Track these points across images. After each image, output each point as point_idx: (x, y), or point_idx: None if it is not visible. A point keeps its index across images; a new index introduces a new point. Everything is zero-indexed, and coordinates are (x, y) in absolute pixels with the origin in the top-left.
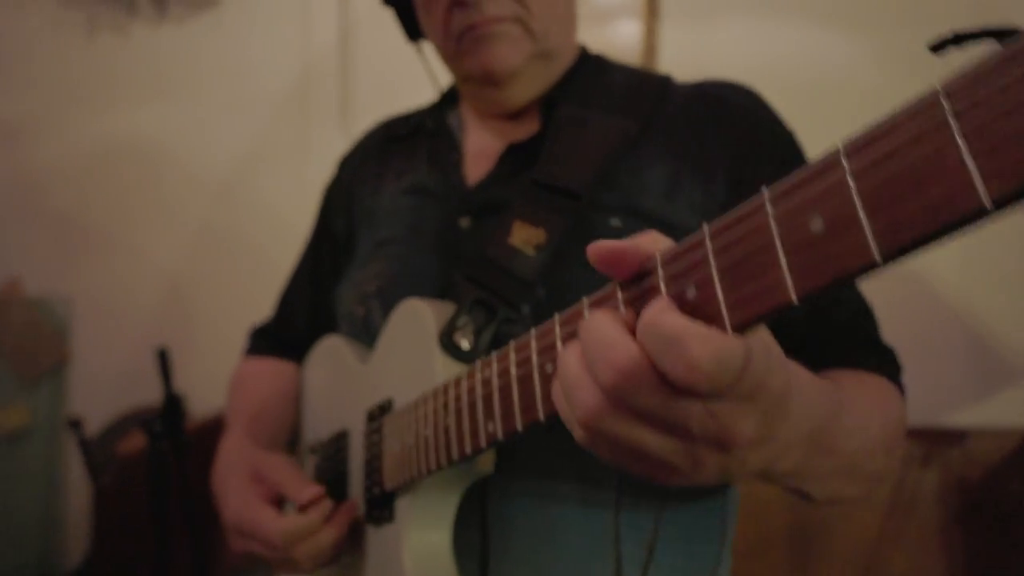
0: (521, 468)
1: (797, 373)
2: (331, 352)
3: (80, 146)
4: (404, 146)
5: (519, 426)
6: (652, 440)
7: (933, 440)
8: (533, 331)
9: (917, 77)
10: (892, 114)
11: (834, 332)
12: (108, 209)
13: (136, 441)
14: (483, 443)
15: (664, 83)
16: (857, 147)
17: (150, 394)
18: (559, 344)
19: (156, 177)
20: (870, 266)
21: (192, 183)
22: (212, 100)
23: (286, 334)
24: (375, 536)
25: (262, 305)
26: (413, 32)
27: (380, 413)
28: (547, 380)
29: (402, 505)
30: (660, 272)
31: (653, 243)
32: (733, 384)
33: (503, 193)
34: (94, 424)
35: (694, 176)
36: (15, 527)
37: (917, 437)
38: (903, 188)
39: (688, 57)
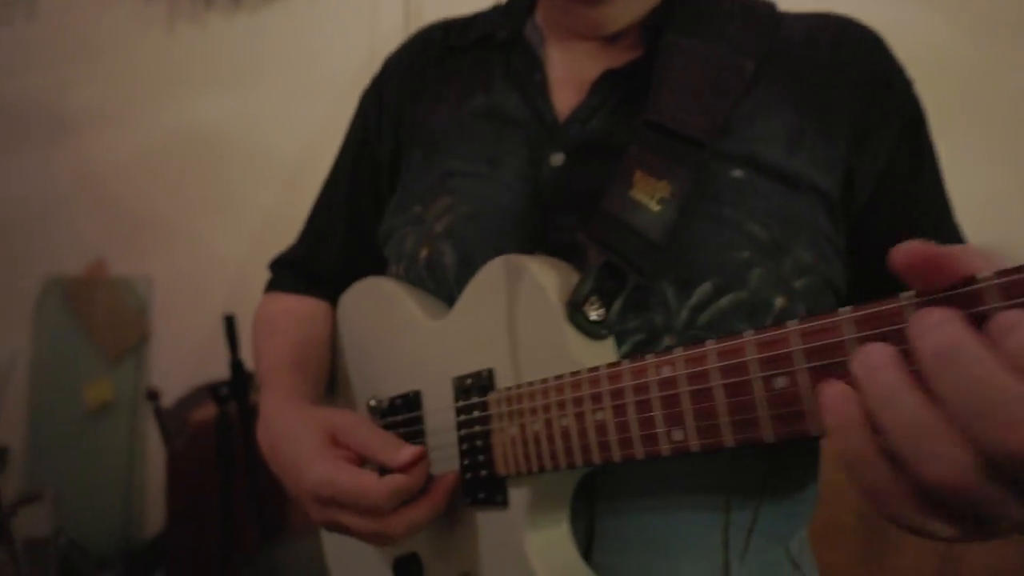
0: (630, 477)
1: None
2: (386, 297)
3: (160, 134)
4: (469, 59)
5: (729, 441)
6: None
7: None
8: (752, 333)
9: (1015, 51)
10: None
11: None
12: (186, 193)
13: (207, 411)
14: (664, 450)
15: (773, 12)
16: None
17: (223, 368)
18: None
19: (230, 162)
20: None
21: (263, 168)
22: (283, 87)
23: (316, 266)
24: (482, 521)
25: None
26: None
27: (477, 385)
28: (776, 400)
29: (518, 494)
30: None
31: (972, 256)
32: None
33: (606, 129)
34: (171, 397)
35: (818, 128)
36: (101, 496)
37: None
38: None
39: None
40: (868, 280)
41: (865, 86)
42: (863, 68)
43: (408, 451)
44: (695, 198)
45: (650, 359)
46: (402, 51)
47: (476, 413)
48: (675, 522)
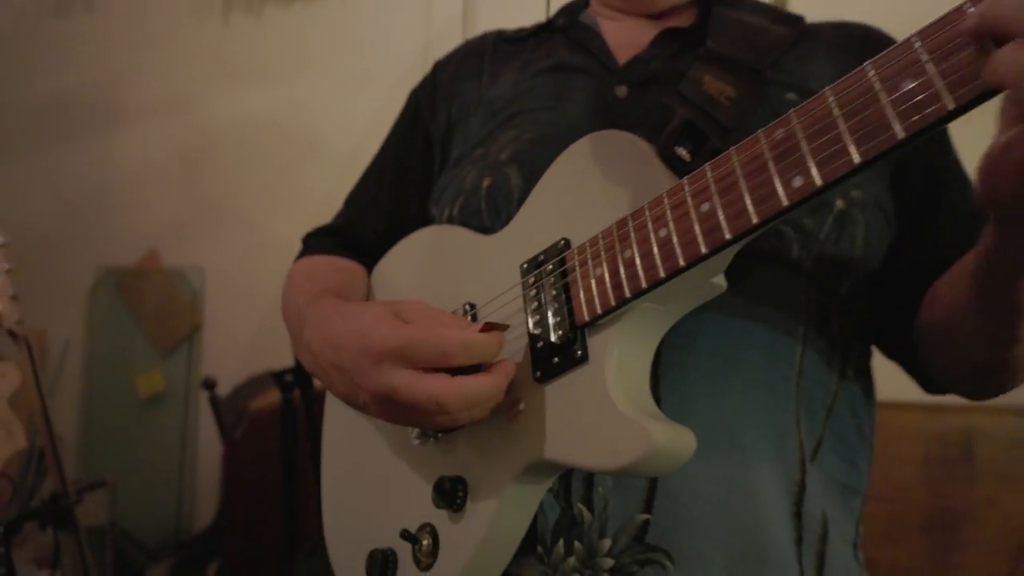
0: (702, 319)
1: None
2: (431, 238)
3: (214, 124)
4: (528, 44)
5: (859, 157)
6: None
7: None
8: (827, 88)
9: None
10: None
11: None
12: (238, 183)
13: (266, 399)
14: (785, 201)
15: (802, 16)
16: None
17: (277, 358)
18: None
19: (283, 152)
20: None
21: (316, 158)
22: (337, 77)
23: (356, 234)
24: (552, 392)
25: None
26: None
27: (551, 256)
28: (903, 97)
29: (601, 339)
30: None
31: None
32: None
33: (666, 67)
34: (224, 386)
35: None
36: (153, 486)
37: None
38: None
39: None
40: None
41: None
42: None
43: (482, 322)
44: (757, 109)
45: (760, 131)
46: (453, 52)
47: (551, 276)
48: (748, 416)
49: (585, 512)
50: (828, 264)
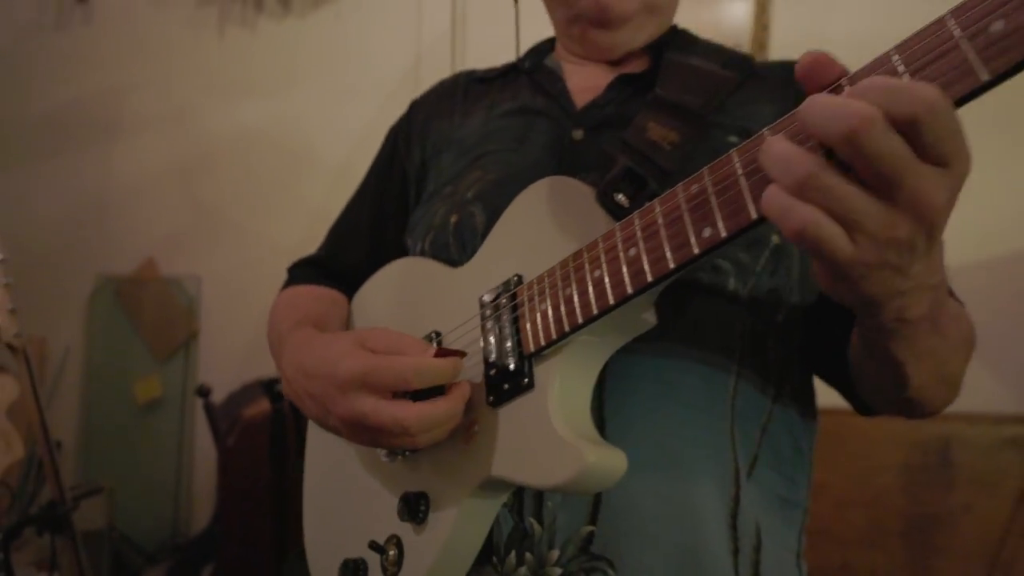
0: (638, 349)
1: None
2: (404, 270)
3: (210, 136)
4: (496, 85)
5: (754, 214)
6: (860, 198)
7: None
8: (733, 151)
9: None
10: None
11: None
12: (234, 194)
13: (258, 406)
14: (696, 249)
15: (751, 58)
16: None
17: (271, 366)
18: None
19: (277, 164)
20: None
21: (310, 169)
22: (332, 89)
23: (337, 265)
24: (504, 416)
25: None
26: None
27: (506, 291)
28: (756, 184)
29: (545, 368)
30: (896, 57)
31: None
32: (944, 132)
33: (620, 110)
34: (219, 393)
35: None
36: (150, 491)
37: None
38: None
39: (801, 33)
40: None
41: None
42: None
43: (439, 349)
44: (699, 152)
45: (679, 186)
46: (429, 92)
47: (504, 310)
48: (685, 436)
49: (535, 525)
50: (764, 295)
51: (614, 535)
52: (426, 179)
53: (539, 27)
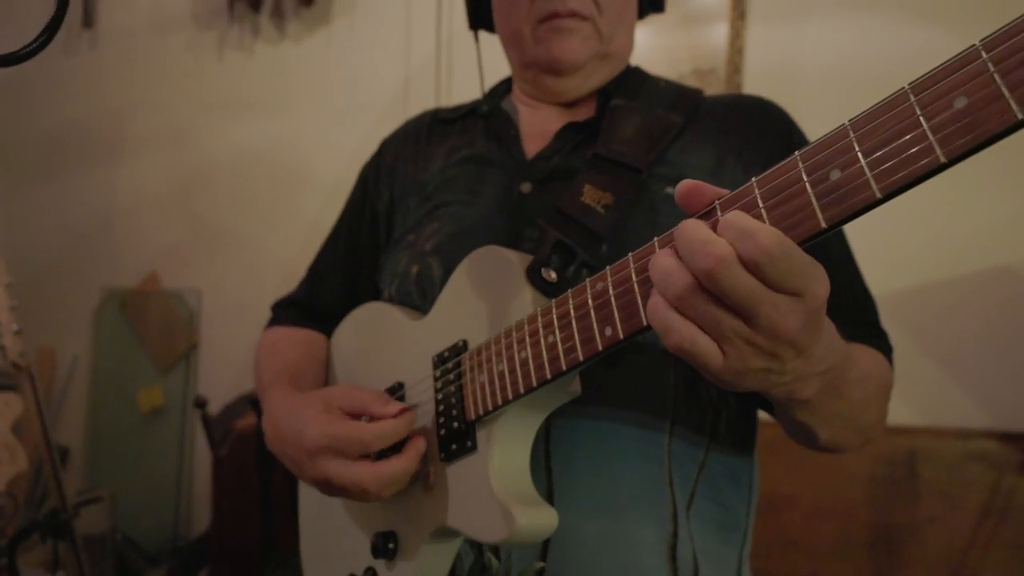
0: (581, 406)
1: (827, 318)
2: (372, 316)
3: (210, 155)
4: (456, 127)
5: (645, 321)
6: (728, 320)
7: None
8: (630, 255)
9: None
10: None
11: (843, 314)
12: (233, 211)
13: (251, 418)
14: (600, 346)
15: (700, 93)
16: (993, 43)
17: None
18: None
19: (274, 182)
20: (1012, 128)
21: (305, 188)
22: (325, 109)
23: (316, 304)
24: (454, 471)
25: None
26: (477, 20)
27: (454, 354)
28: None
29: (485, 433)
30: (756, 192)
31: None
32: (788, 272)
33: (564, 164)
34: (216, 404)
35: (737, 161)
36: (153, 496)
37: (1015, 442)
38: None
39: (775, 57)
40: None
41: (774, 133)
42: (773, 121)
43: (396, 404)
44: (634, 207)
45: (588, 281)
46: (397, 132)
47: (451, 375)
48: (622, 448)
49: (493, 560)
50: None
51: (563, 570)
52: (394, 219)
53: (505, 61)
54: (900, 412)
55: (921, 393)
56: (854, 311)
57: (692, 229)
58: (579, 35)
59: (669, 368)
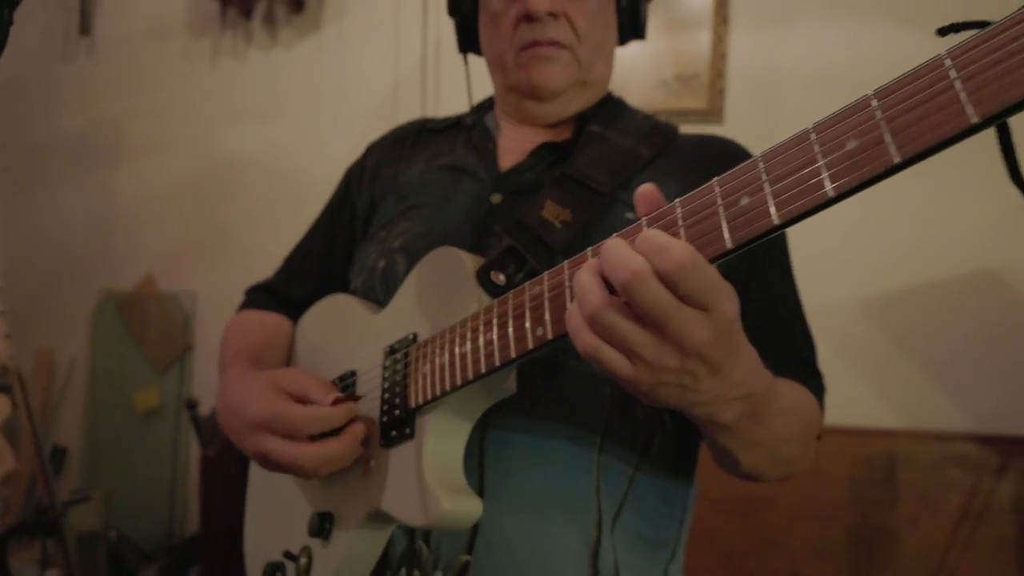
0: (516, 408)
1: (749, 345)
2: (336, 306)
3: (205, 160)
4: (440, 136)
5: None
6: (636, 333)
7: (1010, 449)
8: (565, 262)
9: None
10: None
11: (776, 350)
12: (227, 215)
13: None
14: (531, 344)
15: (674, 130)
16: (884, 92)
17: None
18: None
19: (266, 186)
20: (892, 169)
21: (296, 191)
22: (316, 114)
23: (288, 292)
24: (392, 457)
25: None
26: (465, 44)
27: (403, 345)
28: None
29: (423, 422)
30: (678, 211)
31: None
32: (698, 286)
33: (536, 179)
34: (208, 405)
35: None
36: (148, 495)
37: (993, 445)
38: (917, 114)
39: (758, 62)
40: None
41: None
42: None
43: (335, 395)
44: (594, 227)
45: (527, 284)
46: (385, 136)
47: (399, 366)
48: (553, 453)
49: (424, 547)
50: None
51: (487, 565)
52: (372, 219)
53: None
54: (880, 414)
55: (901, 396)
56: (792, 349)
57: (614, 246)
58: (559, 63)
59: (607, 384)
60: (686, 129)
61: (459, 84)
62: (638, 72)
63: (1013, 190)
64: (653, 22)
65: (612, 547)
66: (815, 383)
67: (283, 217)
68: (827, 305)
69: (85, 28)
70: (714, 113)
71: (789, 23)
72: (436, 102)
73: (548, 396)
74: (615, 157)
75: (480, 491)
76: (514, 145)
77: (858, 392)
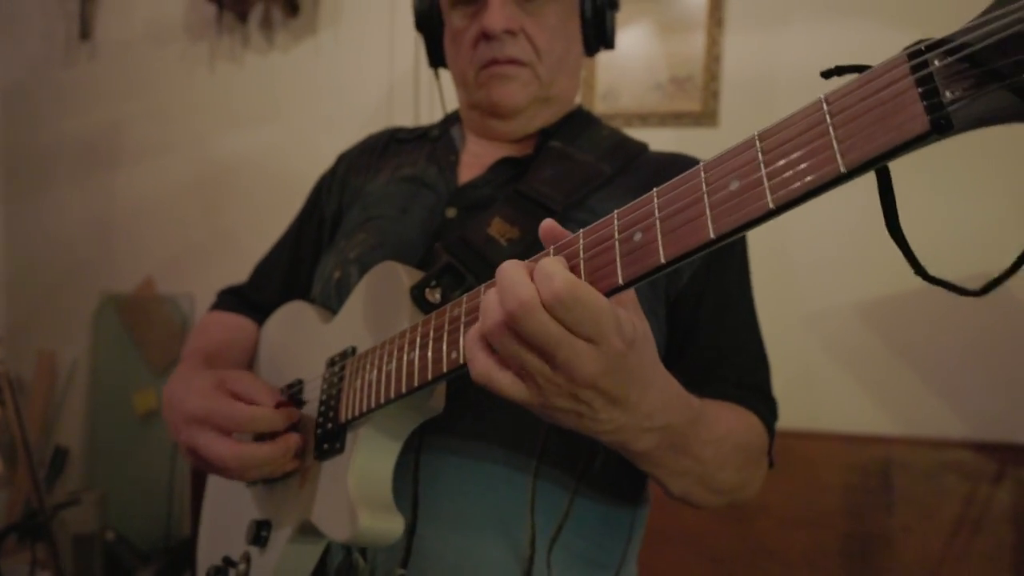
0: (452, 429)
1: (665, 374)
2: (293, 313)
3: (203, 164)
4: (407, 147)
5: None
6: (531, 360)
7: (1007, 457)
8: (482, 285)
9: None
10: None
11: (726, 371)
12: (226, 216)
13: None
14: (445, 368)
15: (642, 148)
16: (766, 135)
17: None
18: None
19: (262, 190)
20: (768, 214)
21: (292, 195)
22: (312, 117)
23: (256, 296)
24: (324, 470)
25: None
26: (434, 60)
27: (342, 358)
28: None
29: (353, 436)
30: (580, 243)
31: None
32: (582, 319)
33: (490, 195)
34: None
35: None
36: (147, 496)
37: (990, 452)
38: (794, 159)
39: (752, 64)
40: (677, 341)
41: None
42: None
43: (279, 399)
44: (540, 246)
45: (448, 306)
46: (356, 145)
47: (336, 378)
48: (488, 474)
49: (360, 560)
50: None
51: None
52: (338, 227)
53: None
54: (875, 420)
55: (896, 402)
56: (742, 373)
57: (507, 269)
58: (518, 81)
59: None
60: (676, 138)
61: (450, 88)
62: (632, 75)
63: (1012, 197)
64: (647, 24)
65: (546, 565)
66: (764, 407)
67: (279, 220)
68: (823, 311)
69: (85, 33)
70: (708, 116)
71: (784, 25)
72: (431, 104)
73: (485, 419)
74: (573, 174)
75: (414, 506)
76: (476, 159)
77: (853, 398)
